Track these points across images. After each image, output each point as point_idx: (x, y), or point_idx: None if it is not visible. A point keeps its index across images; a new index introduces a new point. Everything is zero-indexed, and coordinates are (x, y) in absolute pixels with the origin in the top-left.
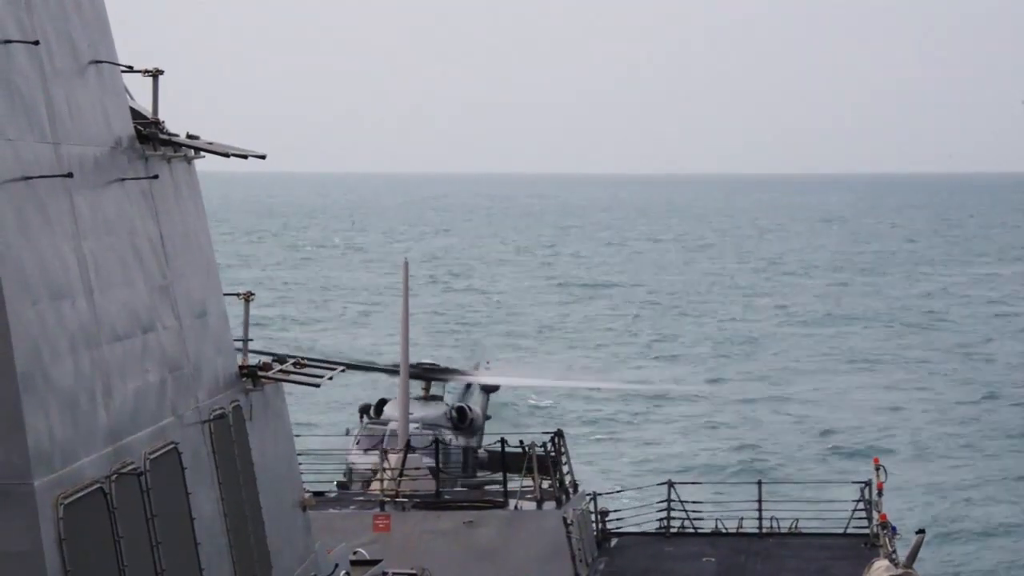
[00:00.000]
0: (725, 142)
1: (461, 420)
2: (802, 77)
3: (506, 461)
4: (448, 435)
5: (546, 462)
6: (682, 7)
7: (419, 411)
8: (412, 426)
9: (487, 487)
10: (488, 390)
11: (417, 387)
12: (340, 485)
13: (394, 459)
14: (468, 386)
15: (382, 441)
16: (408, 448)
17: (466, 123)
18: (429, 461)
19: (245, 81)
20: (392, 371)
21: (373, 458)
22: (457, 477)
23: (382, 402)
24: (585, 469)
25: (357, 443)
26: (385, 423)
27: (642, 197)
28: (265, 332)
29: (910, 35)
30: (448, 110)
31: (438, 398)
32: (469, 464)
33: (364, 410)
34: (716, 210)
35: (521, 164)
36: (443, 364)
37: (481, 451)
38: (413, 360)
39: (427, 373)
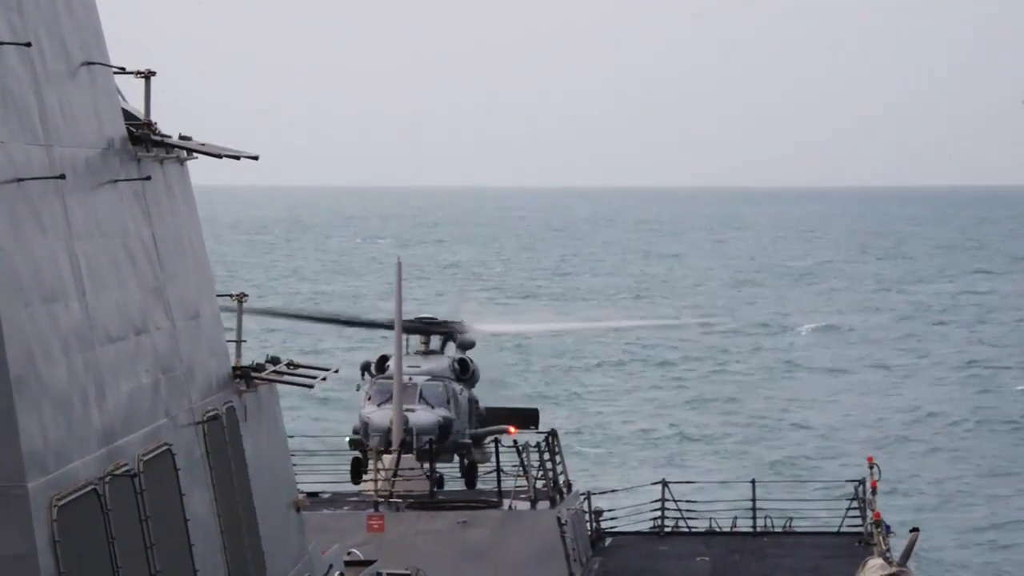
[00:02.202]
0: (724, 155)
1: (463, 372)
2: (808, 89)
3: (503, 417)
4: (455, 386)
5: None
6: (693, 21)
7: (425, 364)
8: (423, 378)
9: (488, 434)
10: (464, 347)
11: (415, 342)
12: (353, 443)
13: (388, 460)
14: (444, 342)
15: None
16: (403, 447)
17: (482, 134)
18: (442, 411)
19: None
20: (389, 327)
21: (387, 411)
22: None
23: (383, 358)
24: (579, 469)
25: (369, 398)
26: (402, 364)
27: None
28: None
29: (913, 48)
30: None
31: (436, 352)
32: (473, 416)
33: (365, 367)
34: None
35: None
36: (440, 318)
37: (480, 405)
38: (412, 316)
39: (426, 327)
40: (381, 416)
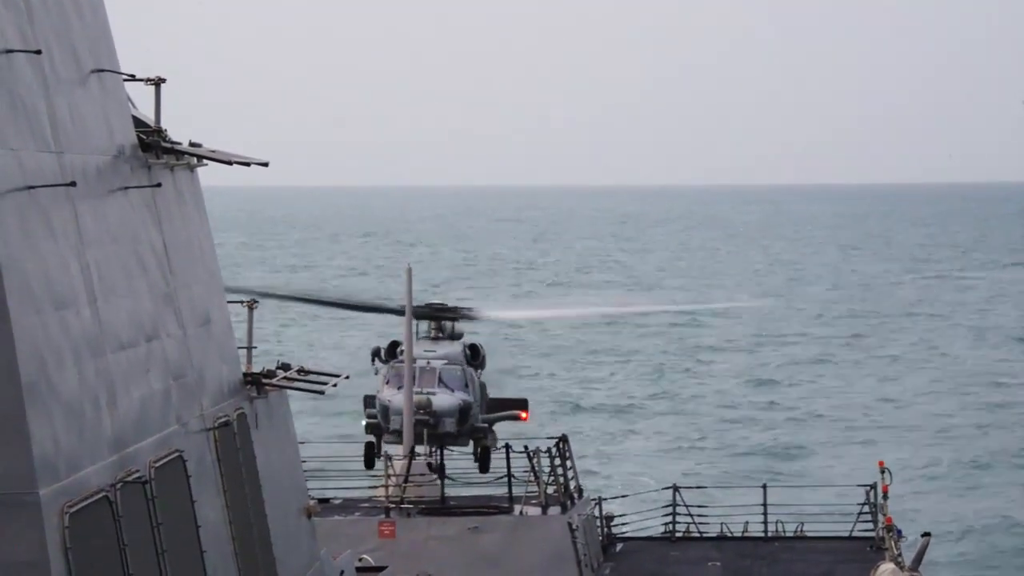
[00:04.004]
0: (716, 154)
1: (474, 357)
2: (811, 89)
3: (495, 407)
4: (470, 370)
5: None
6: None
7: (440, 349)
8: (441, 362)
9: (500, 419)
10: (454, 338)
11: (423, 328)
12: (370, 427)
13: (399, 465)
14: (441, 332)
15: (413, 378)
16: (412, 454)
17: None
18: (462, 395)
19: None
20: (398, 312)
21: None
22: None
23: (394, 344)
24: (590, 474)
25: (387, 382)
26: (412, 360)
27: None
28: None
29: (917, 46)
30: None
31: (446, 338)
32: (485, 400)
33: (376, 353)
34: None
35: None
36: (451, 304)
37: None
38: (421, 301)
39: (437, 313)
40: (401, 398)
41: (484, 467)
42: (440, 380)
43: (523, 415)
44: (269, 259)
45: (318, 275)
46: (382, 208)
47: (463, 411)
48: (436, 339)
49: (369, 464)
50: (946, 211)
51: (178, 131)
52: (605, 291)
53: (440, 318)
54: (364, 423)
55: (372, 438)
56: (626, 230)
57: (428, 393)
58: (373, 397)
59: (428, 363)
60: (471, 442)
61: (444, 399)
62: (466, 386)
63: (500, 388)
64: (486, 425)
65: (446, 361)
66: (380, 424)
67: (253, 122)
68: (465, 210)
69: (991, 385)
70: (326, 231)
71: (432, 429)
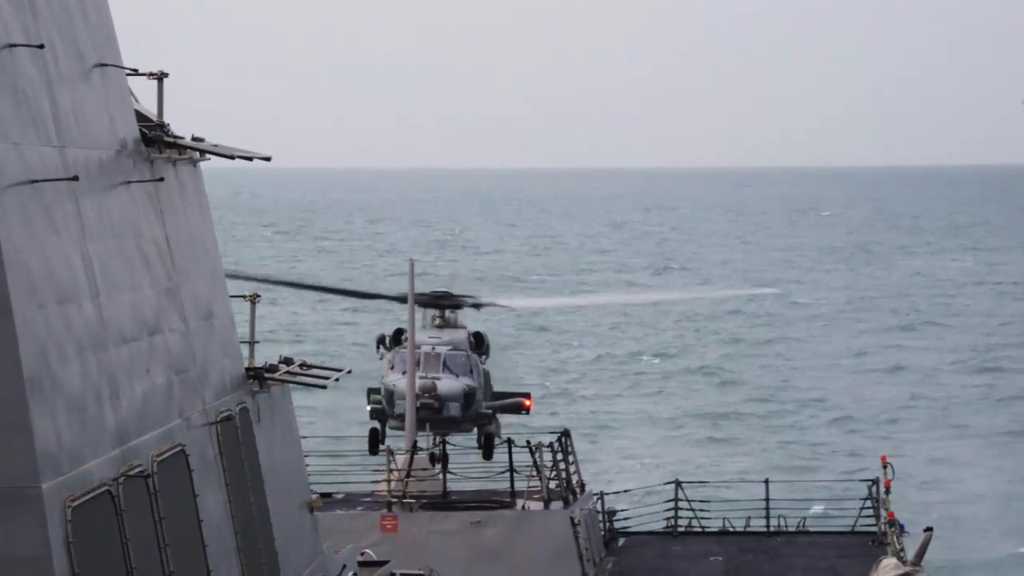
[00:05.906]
0: (716, 136)
1: (479, 344)
2: (809, 74)
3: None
4: (475, 356)
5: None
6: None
7: (445, 335)
8: (445, 348)
9: (503, 408)
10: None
11: (428, 318)
12: (376, 412)
13: (401, 460)
14: (445, 322)
15: (418, 363)
16: (414, 448)
17: (499, 120)
18: (467, 380)
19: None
20: (400, 300)
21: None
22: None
23: (399, 331)
24: (592, 469)
25: (392, 367)
26: (417, 346)
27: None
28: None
29: (919, 33)
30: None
31: (452, 325)
32: (489, 388)
33: (380, 340)
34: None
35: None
36: (455, 292)
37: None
38: (426, 290)
39: (440, 301)
40: (406, 383)
41: (488, 454)
42: (444, 365)
43: (527, 402)
44: (264, 244)
45: (313, 262)
46: (379, 192)
47: (468, 396)
48: (441, 327)
49: (373, 450)
50: (971, 195)
51: (180, 123)
52: (605, 279)
53: (444, 306)
54: (369, 409)
55: (376, 424)
56: (623, 214)
57: (433, 378)
58: (377, 387)
59: (433, 348)
60: (475, 429)
61: (449, 383)
62: (471, 372)
63: (504, 383)
64: (490, 412)
65: (451, 347)
66: (384, 409)
67: (252, 106)
68: (461, 193)
69: (996, 380)
70: (315, 215)
71: (437, 414)
